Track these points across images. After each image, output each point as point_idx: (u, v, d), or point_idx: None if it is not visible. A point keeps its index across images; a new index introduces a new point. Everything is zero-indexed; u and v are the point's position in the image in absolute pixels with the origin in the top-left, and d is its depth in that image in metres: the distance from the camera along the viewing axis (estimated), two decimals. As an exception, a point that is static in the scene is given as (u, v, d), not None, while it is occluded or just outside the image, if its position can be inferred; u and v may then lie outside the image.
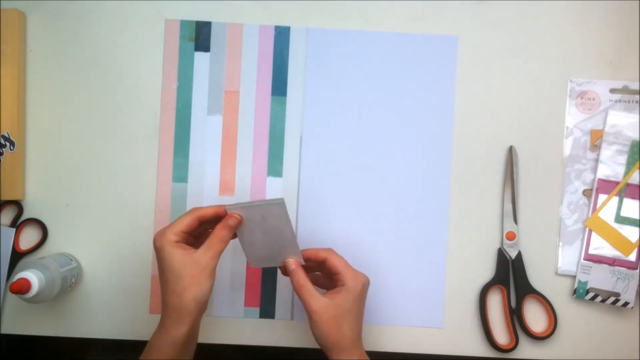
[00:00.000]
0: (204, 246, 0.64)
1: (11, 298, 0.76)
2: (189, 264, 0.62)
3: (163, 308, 0.64)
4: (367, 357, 0.67)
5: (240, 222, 0.65)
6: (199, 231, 0.67)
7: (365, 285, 0.67)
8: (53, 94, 0.77)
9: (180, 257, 0.62)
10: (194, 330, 0.65)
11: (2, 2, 0.76)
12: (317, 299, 0.65)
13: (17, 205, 0.77)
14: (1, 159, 0.75)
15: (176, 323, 0.63)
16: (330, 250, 0.68)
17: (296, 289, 0.66)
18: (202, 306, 0.63)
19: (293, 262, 0.67)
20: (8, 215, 0.77)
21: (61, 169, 0.77)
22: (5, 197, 0.76)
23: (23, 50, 0.76)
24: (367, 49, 0.78)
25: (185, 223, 0.64)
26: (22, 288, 0.66)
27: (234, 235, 0.66)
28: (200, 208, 0.66)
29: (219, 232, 0.64)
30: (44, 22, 0.77)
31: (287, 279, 0.67)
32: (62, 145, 0.77)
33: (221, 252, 0.64)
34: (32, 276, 0.66)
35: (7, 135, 0.75)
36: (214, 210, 0.66)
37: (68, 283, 0.73)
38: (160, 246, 0.63)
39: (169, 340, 0.63)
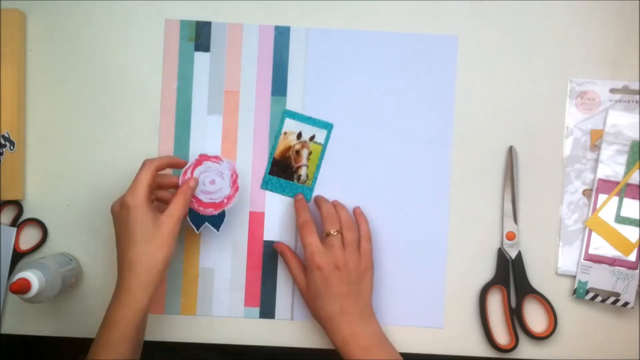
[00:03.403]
0: (168, 210, 0.66)
1: (11, 298, 0.76)
2: (159, 225, 0.64)
3: (127, 272, 0.64)
4: (358, 328, 0.69)
5: (197, 184, 0.69)
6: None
7: (316, 266, 0.68)
8: (53, 94, 0.77)
9: (153, 218, 0.64)
10: (153, 297, 0.65)
11: (2, 2, 0.76)
12: (300, 279, 0.72)
13: (17, 205, 0.77)
14: (1, 159, 0.75)
15: (145, 284, 0.63)
16: (303, 223, 0.71)
17: (287, 267, 0.74)
18: (166, 270, 0.65)
19: (278, 246, 0.75)
20: (8, 215, 0.77)
21: (61, 169, 0.77)
22: (5, 197, 0.76)
23: (23, 50, 0.76)
24: (367, 49, 0.78)
25: (147, 178, 0.65)
26: (22, 288, 0.65)
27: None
28: (153, 159, 0.68)
29: (181, 196, 0.67)
30: (44, 22, 0.77)
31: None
32: (62, 145, 0.77)
33: (183, 215, 0.67)
34: (32, 276, 0.66)
35: (7, 135, 0.75)
36: (167, 161, 0.69)
37: (68, 283, 0.73)
38: (134, 205, 0.64)
39: (136, 307, 0.63)
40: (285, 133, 0.75)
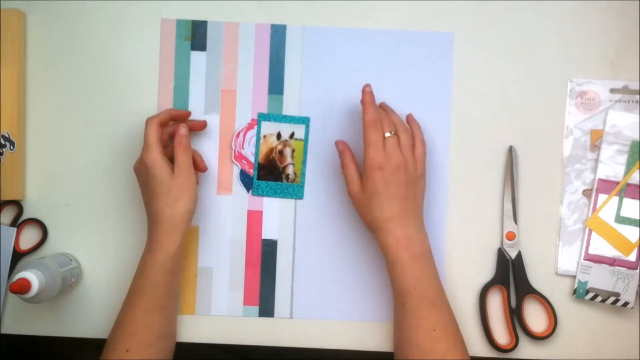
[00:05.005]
0: (175, 163, 0.69)
1: (11, 298, 0.77)
2: (173, 177, 0.68)
3: (154, 225, 0.68)
4: (412, 234, 0.68)
5: (187, 130, 0.71)
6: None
7: (378, 166, 0.67)
8: (53, 94, 0.77)
9: (168, 172, 0.68)
10: (183, 244, 0.70)
11: (2, 2, 0.76)
12: (354, 184, 0.70)
13: (17, 205, 0.77)
14: (1, 159, 0.75)
15: (170, 233, 0.68)
16: (367, 124, 0.69)
17: (342, 169, 0.71)
18: (191, 215, 0.70)
19: (340, 144, 0.72)
20: (8, 215, 0.77)
21: (61, 169, 0.77)
22: (5, 197, 0.76)
23: (23, 50, 0.77)
24: (363, 46, 0.78)
25: (155, 134, 0.69)
26: (22, 288, 0.66)
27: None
28: (154, 116, 0.71)
29: (178, 147, 0.69)
30: (44, 22, 0.77)
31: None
32: (62, 145, 0.77)
33: (189, 162, 0.70)
34: (32, 276, 0.66)
35: (7, 135, 0.75)
36: (167, 114, 0.72)
37: (68, 283, 0.73)
38: (150, 163, 0.68)
39: (164, 255, 0.68)
40: (264, 136, 0.76)
